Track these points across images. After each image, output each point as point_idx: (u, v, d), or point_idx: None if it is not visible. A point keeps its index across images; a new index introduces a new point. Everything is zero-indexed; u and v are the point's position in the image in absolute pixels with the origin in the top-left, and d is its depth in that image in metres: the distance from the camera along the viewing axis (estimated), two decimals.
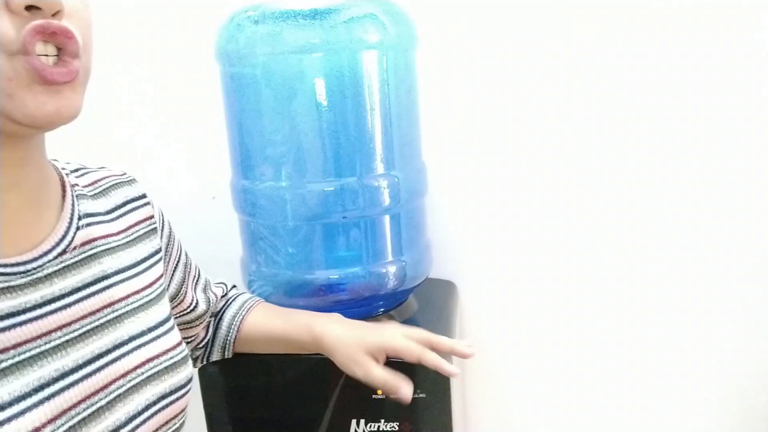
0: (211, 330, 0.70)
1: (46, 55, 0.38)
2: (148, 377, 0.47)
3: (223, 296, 0.72)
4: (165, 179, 1.00)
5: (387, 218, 0.75)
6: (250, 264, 0.79)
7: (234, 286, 0.76)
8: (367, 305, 0.76)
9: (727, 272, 0.91)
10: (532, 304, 0.97)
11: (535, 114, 0.90)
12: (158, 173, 1.00)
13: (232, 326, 0.69)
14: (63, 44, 0.38)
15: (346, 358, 0.61)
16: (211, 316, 0.70)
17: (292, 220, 0.74)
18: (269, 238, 0.76)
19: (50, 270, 0.43)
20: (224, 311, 0.71)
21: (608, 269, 0.94)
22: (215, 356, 0.70)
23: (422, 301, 0.86)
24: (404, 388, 0.60)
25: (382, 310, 0.78)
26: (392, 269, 0.75)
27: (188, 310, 0.64)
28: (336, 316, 0.67)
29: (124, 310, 0.48)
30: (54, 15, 0.38)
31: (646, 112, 0.88)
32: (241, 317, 0.69)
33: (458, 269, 0.99)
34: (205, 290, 0.68)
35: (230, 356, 0.70)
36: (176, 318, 0.62)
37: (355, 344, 0.62)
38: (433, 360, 0.60)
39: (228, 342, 0.69)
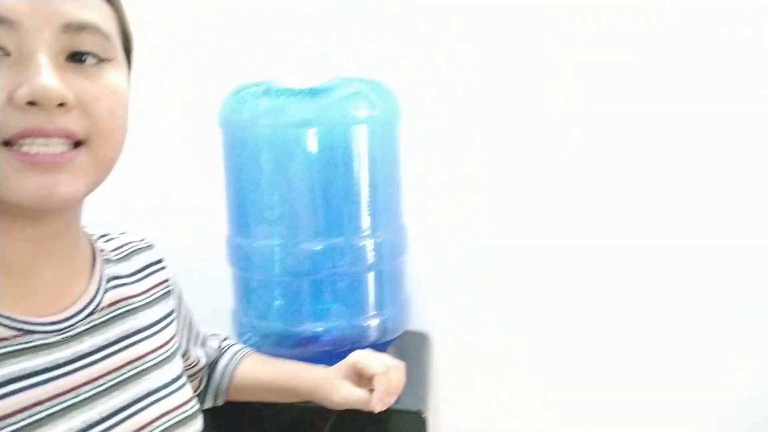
0: (204, 379, 0.74)
1: (46, 144, 0.40)
2: (164, 430, 0.51)
3: (218, 348, 0.76)
4: (157, 230, 1.05)
5: (371, 275, 0.81)
6: (242, 315, 0.84)
7: (226, 337, 0.81)
8: None
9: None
10: (502, 355, 1.05)
11: (507, 181, 1.00)
12: (150, 224, 1.06)
13: (225, 375, 0.73)
14: (62, 139, 0.41)
15: (326, 390, 0.67)
16: (207, 368, 0.74)
17: (283, 276, 0.79)
18: (260, 291, 0.82)
19: (81, 329, 0.48)
20: (217, 360, 0.75)
21: (572, 322, 1.03)
22: (207, 404, 0.74)
23: (398, 353, 0.92)
24: (383, 400, 0.63)
25: None
26: (374, 322, 0.81)
27: (191, 366, 0.69)
28: (321, 366, 0.73)
29: (143, 367, 0.52)
30: (61, 105, 0.40)
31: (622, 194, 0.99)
32: (233, 366, 0.74)
33: (431, 321, 1.05)
34: (203, 345, 0.73)
35: (221, 404, 0.74)
36: None
37: (330, 375, 0.68)
38: (380, 389, 0.63)
39: (220, 390, 0.73)
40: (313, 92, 0.75)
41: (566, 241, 1.00)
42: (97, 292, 0.50)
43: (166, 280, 0.60)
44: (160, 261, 0.61)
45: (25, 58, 0.40)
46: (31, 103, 0.39)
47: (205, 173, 0.98)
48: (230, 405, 0.75)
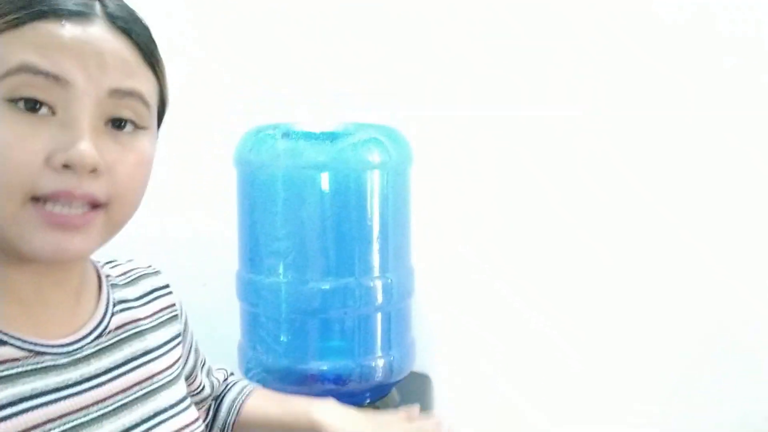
0: (211, 413, 0.75)
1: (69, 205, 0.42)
2: None
3: (224, 381, 0.77)
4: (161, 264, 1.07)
5: (379, 316, 0.83)
6: (249, 350, 0.85)
7: (232, 373, 0.81)
8: (356, 396, 0.83)
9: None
10: (503, 399, 1.05)
11: (509, 224, 1.02)
12: (154, 259, 1.08)
13: (232, 410, 0.74)
14: (86, 203, 0.43)
15: None
16: (212, 400, 0.75)
17: (292, 313, 0.81)
18: (268, 326, 0.83)
19: (88, 351, 0.50)
20: (225, 395, 0.76)
21: (571, 365, 1.04)
22: None
23: (403, 394, 0.93)
24: None
25: (368, 401, 0.84)
26: (380, 363, 0.82)
27: (195, 392, 0.70)
28: (330, 402, 0.73)
29: (151, 388, 0.54)
30: (93, 171, 0.42)
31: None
32: (240, 402, 0.74)
33: (433, 363, 1.06)
34: (209, 375, 0.74)
35: None
36: None
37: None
38: None
39: (227, 425, 0.73)
40: (331, 137, 0.78)
41: (567, 285, 1.02)
42: (104, 317, 0.53)
43: (173, 305, 0.63)
44: (166, 286, 0.63)
45: (69, 120, 0.42)
46: (66, 167, 0.41)
47: (217, 209, 1.01)
48: None
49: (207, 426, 0.74)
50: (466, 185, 1.02)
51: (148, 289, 0.60)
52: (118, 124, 0.45)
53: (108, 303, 0.54)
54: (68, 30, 0.42)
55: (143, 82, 0.46)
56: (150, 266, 0.64)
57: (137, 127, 0.46)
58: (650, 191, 1.00)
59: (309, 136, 0.78)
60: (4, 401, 0.43)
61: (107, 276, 0.57)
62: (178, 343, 0.61)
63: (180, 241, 1.08)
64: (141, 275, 0.61)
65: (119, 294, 0.56)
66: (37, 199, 0.41)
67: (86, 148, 0.41)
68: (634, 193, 1.00)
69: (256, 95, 1.03)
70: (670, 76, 0.97)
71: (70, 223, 0.42)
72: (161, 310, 0.60)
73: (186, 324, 0.67)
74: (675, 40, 0.97)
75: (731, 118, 0.98)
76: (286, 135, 0.79)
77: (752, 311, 1.01)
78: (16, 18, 0.41)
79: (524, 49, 0.99)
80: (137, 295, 0.59)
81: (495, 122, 1.01)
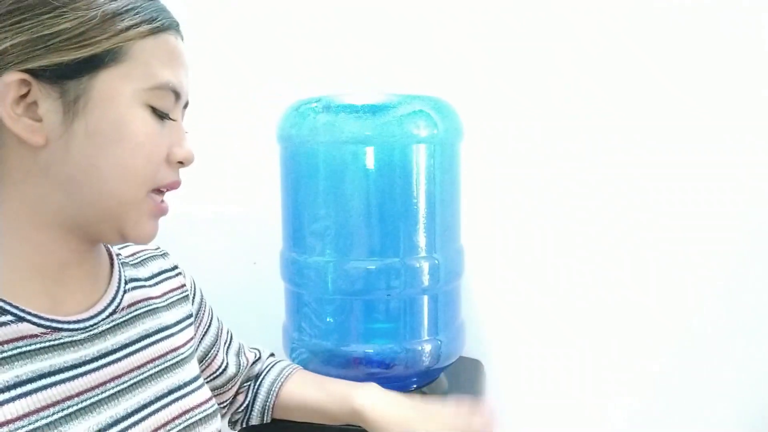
0: (250, 395, 0.73)
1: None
2: (185, 427, 0.53)
3: (255, 361, 0.76)
4: (208, 244, 1.07)
5: (426, 298, 0.79)
6: (293, 331, 0.83)
7: (272, 354, 0.80)
8: (401, 381, 0.79)
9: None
10: (557, 385, 1.00)
11: (565, 205, 0.95)
12: (202, 239, 1.08)
13: (271, 392, 0.73)
14: None
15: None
16: (246, 381, 0.74)
17: (336, 294, 0.78)
18: (312, 307, 0.81)
19: (104, 327, 0.50)
20: (264, 377, 0.74)
21: (624, 350, 0.97)
22: (254, 420, 0.73)
23: (452, 379, 0.89)
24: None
25: (415, 386, 0.81)
26: (428, 347, 0.79)
27: (217, 372, 0.69)
28: (373, 387, 0.70)
29: (164, 365, 0.54)
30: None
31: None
32: (279, 384, 0.73)
33: (485, 348, 1.01)
34: (237, 354, 0.73)
35: (269, 421, 0.73)
36: (207, 382, 0.66)
37: (403, 428, 0.64)
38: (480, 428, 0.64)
39: (267, 407, 0.72)
40: (373, 109, 0.74)
41: (626, 270, 0.95)
42: (117, 293, 0.53)
43: (182, 285, 0.63)
44: (175, 268, 0.64)
45: (176, 124, 0.50)
46: (180, 163, 0.50)
47: (268, 187, 0.99)
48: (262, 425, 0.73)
49: (246, 408, 0.73)
50: (520, 161, 0.96)
51: (156, 270, 0.61)
52: None
53: (120, 280, 0.55)
54: (180, 44, 0.50)
55: None
56: (158, 248, 0.64)
57: None
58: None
59: (351, 108, 0.74)
60: (24, 377, 0.43)
61: (117, 254, 0.57)
62: (190, 324, 0.62)
63: (231, 220, 1.08)
64: (149, 257, 0.62)
65: (130, 273, 0.57)
66: (156, 190, 0.49)
67: (191, 148, 0.51)
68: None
69: (300, 69, 1.00)
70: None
71: (166, 211, 0.51)
72: (171, 290, 0.61)
73: (201, 305, 0.68)
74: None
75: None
76: (327, 108, 0.75)
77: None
78: (152, 28, 0.47)
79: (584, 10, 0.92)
80: (147, 275, 0.59)
81: (551, 95, 0.94)
